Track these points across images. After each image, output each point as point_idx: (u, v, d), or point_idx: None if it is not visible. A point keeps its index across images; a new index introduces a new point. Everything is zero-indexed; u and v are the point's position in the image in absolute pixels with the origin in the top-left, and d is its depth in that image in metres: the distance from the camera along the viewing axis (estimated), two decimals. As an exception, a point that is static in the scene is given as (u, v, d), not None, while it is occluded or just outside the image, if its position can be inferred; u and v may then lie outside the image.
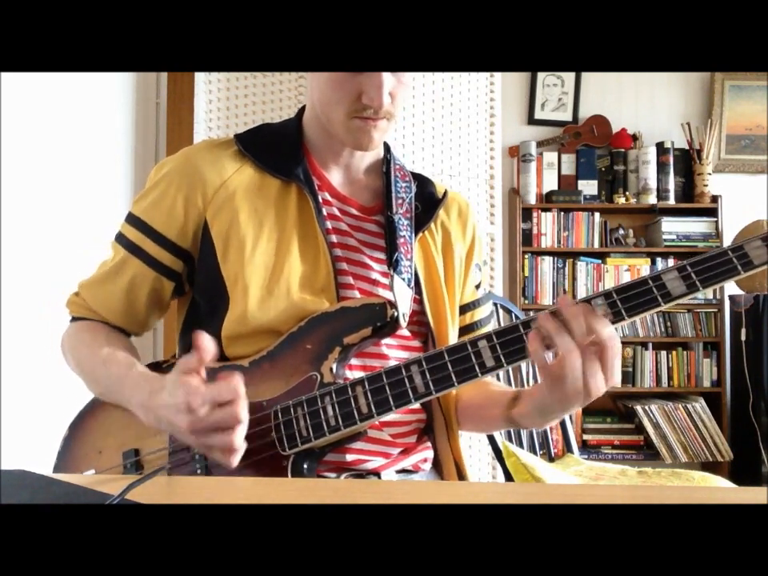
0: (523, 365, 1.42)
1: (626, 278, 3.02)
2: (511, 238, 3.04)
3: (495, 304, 1.43)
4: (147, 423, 0.76)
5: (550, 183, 3.13)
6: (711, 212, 3.03)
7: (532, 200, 3.06)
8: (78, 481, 0.61)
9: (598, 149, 3.17)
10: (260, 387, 0.81)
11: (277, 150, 0.92)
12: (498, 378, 1.30)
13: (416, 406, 0.92)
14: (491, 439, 1.25)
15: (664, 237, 3.01)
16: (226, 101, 2.22)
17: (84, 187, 1.93)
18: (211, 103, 2.20)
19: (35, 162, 1.64)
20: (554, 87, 3.22)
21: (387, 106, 0.83)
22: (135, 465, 0.83)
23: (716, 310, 3.01)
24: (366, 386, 0.76)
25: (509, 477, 1.00)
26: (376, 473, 0.87)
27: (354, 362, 0.86)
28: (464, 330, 0.99)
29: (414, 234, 0.94)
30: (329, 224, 0.90)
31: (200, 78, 2.18)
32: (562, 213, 3.05)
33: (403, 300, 0.88)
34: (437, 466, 0.96)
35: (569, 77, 3.21)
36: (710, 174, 3.07)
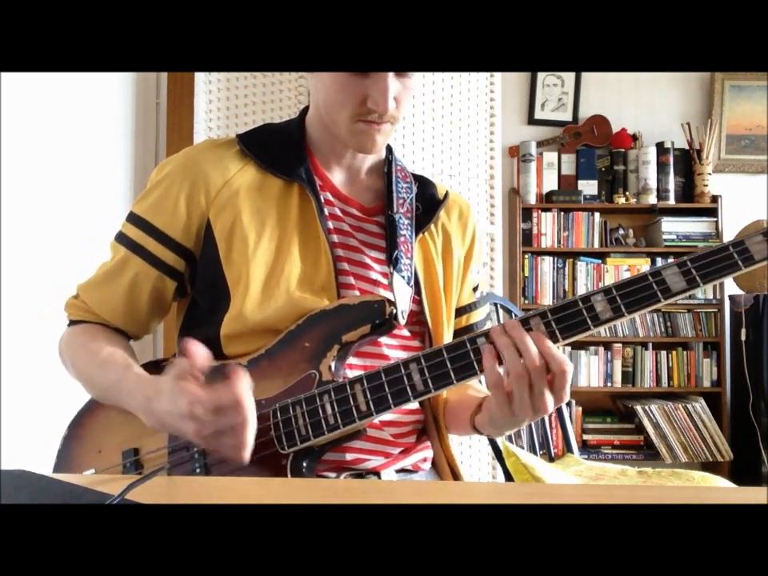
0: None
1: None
2: (511, 238, 3.04)
3: (495, 304, 1.43)
4: (150, 427, 0.76)
5: (550, 183, 3.13)
6: (711, 212, 3.03)
7: (532, 200, 3.06)
8: (77, 481, 0.61)
9: (598, 149, 3.17)
10: (258, 386, 0.80)
11: (279, 150, 0.92)
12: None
13: (415, 405, 0.92)
14: (491, 439, 1.24)
15: (664, 237, 3.01)
16: (226, 101, 2.22)
17: (84, 187, 1.93)
18: (211, 103, 2.20)
19: (35, 162, 1.64)
20: (554, 87, 3.22)
21: (392, 111, 0.84)
22: (135, 464, 0.83)
23: (716, 310, 3.01)
24: (365, 384, 0.76)
25: (509, 477, 1.00)
26: (376, 472, 0.87)
27: (354, 362, 0.86)
28: (460, 332, 0.98)
29: (414, 235, 0.94)
30: (330, 224, 0.90)
31: (200, 78, 2.18)
32: (562, 213, 3.05)
33: (402, 297, 0.88)
34: (436, 466, 0.96)
35: (569, 77, 3.21)
36: (710, 174, 3.07)
